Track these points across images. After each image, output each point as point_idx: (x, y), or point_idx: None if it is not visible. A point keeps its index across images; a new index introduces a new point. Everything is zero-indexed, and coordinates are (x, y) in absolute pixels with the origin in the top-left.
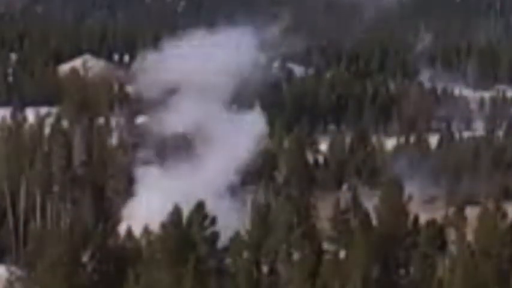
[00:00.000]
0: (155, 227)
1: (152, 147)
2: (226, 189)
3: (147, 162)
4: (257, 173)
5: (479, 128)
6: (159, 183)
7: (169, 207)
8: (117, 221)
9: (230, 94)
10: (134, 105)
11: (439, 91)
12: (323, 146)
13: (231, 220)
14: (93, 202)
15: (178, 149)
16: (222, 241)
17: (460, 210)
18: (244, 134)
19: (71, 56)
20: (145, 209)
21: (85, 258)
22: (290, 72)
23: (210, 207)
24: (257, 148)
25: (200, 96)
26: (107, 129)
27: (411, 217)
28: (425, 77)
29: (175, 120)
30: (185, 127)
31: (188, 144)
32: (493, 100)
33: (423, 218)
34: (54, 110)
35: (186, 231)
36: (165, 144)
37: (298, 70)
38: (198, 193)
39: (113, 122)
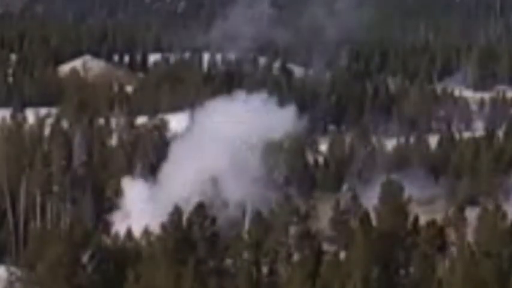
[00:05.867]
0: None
1: None
2: None
3: None
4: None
5: (479, 128)
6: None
7: None
8: None
9: None
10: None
11: (439, 91)
12: (323, 146)
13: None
14: (93, 202)
15: None
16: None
17: (460, 210)
18: None
19: (71, 56)
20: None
21: (85, 258)
22: (290, 73)
23: None
24: None
25: None
26: (107, 129)
27: (411, 217)
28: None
29: None
30: None
31: None
32: (493, 100)
33: (423, 218)
34: (54, 110)
35: (186, 231)
36: None
37: (298, 70)
38: None
39: (113, 122)
